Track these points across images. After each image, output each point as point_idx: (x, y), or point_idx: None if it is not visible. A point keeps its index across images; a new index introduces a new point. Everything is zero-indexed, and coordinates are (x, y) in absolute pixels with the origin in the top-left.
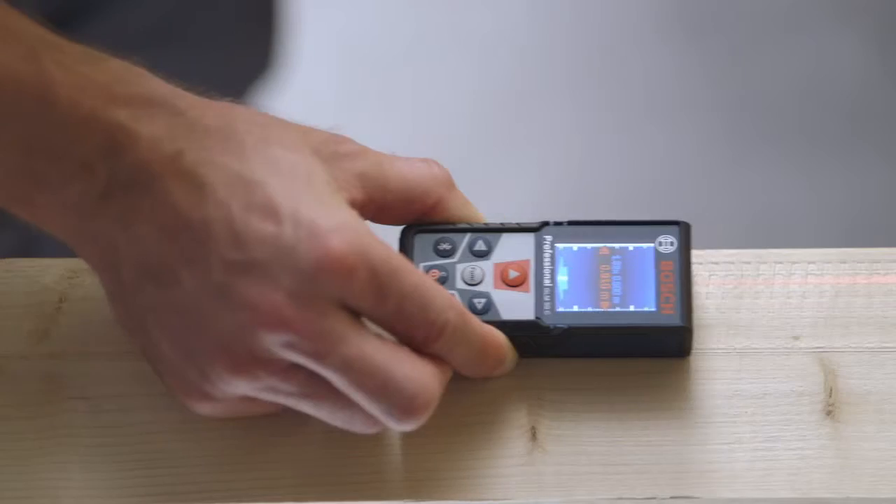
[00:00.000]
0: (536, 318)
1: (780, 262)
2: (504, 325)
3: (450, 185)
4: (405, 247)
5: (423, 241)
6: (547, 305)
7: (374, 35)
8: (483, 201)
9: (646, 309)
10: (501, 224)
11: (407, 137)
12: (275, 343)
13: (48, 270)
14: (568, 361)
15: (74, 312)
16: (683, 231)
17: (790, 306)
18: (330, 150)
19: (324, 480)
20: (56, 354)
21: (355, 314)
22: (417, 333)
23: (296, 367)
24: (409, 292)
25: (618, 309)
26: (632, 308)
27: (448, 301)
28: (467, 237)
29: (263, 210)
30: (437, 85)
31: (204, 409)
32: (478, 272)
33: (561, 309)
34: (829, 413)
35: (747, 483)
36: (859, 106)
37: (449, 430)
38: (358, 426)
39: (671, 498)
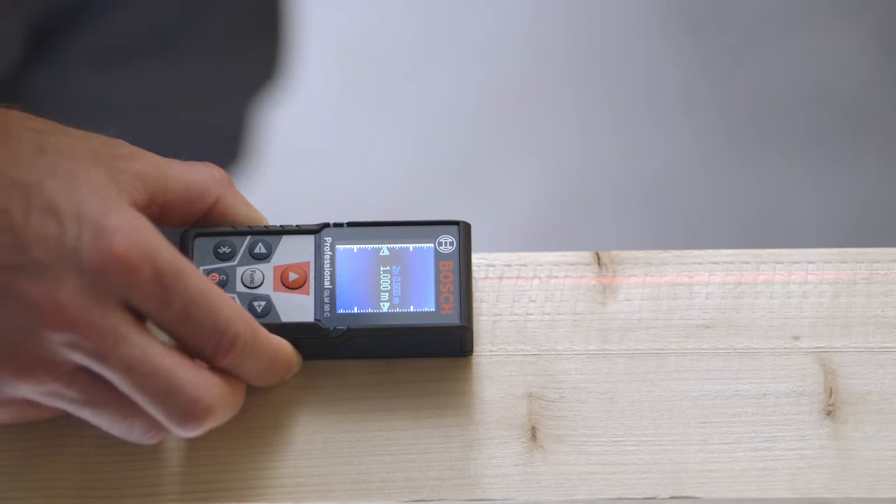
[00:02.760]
0: (316, 320)
1: (780, 263)
2: (284, 328)
3: (228, 185)
4: (185, 250)
5: (202, 245)
6: (327, 307)
7: (375, 36)
8: (483, 200)
9: (425, 309)
10: (281, 226)
11: (409, 138)
12: (59, 343)
13: None
14: (570, 360)
15: None
16: (463, 231)
17: (790, 306)
18: (108, 152)
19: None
20: None
21: (140, 317)
22: (207, 343)
23: (80, 372)
24: (195, 296)
25: (397, 310)
26: (411, 308)
27: (237, 312)
28: (247, 240)
29: (44, 210)
30: (439, 85)
31: None
32: (257, 275)
33: (341, 311)
34: (829, 413)
35: (747, 483)
36: (860, 106)
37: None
38: (136, 436)
39: (671, 498)
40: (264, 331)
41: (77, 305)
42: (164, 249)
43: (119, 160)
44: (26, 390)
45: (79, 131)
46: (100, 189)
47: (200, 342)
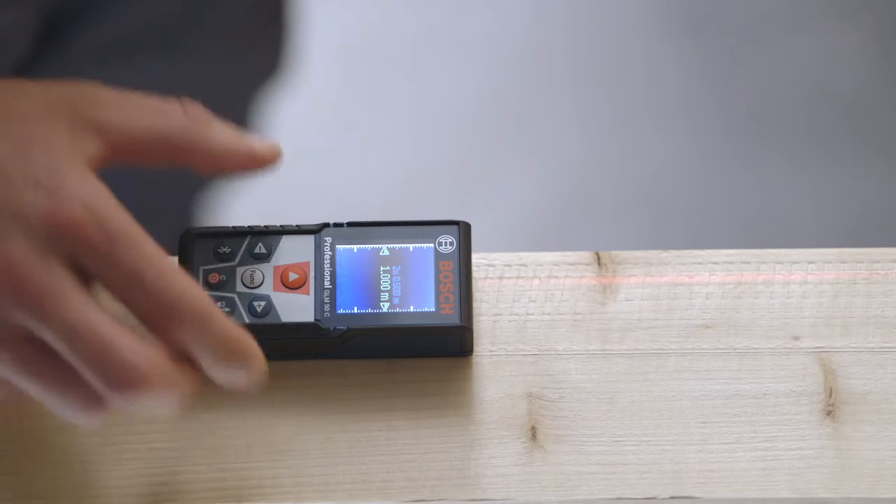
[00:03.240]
0: (316, 320)
1: (780, 263)
2: (284, 328)
3: (206, 124)
4: (185, 251)
5: (202, 245)
6: (327, 307)
7: (376, 36)
8: (483, 200)
9: (425, 309)
10: (281, 226)
11: (409, 138)
12: (4, 306)
13: None
14: (570, 360)
15: None
16: (463, 231)
17: (790, 306)
18: (68, 102)
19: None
20: None
21: (86, 281)
22: (155, 311)
23: (22, 341)
24: (147, 259)
25: (398, 310)
26: (411, 308)
27: (191, 286)
28: (247, 240)
29: None
30: (439, 85)
31: None
32: (258, 275)
33: (341, 311)
34: (829, 413)
35: (747, 483)
36: (860, 106)
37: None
38: (75, 410)
39: (671, 498)
40: (221, 313)
41: (24, 266)
42: (116, 212)
43: (80, 109)
44: None
45: (40, 84)
46: (54, 151)
47: (148, 309)
